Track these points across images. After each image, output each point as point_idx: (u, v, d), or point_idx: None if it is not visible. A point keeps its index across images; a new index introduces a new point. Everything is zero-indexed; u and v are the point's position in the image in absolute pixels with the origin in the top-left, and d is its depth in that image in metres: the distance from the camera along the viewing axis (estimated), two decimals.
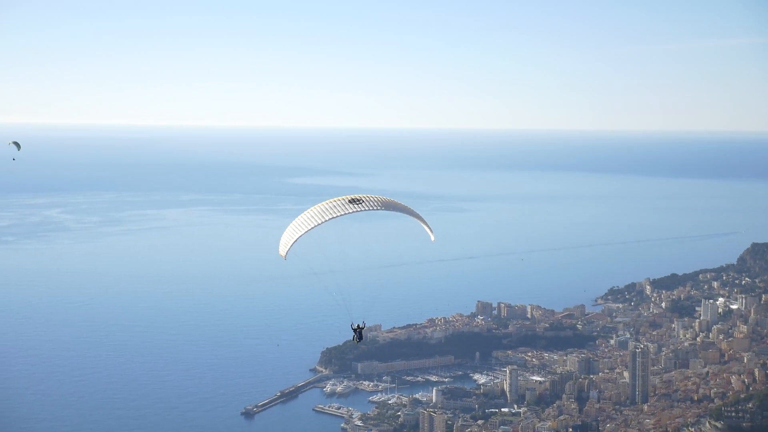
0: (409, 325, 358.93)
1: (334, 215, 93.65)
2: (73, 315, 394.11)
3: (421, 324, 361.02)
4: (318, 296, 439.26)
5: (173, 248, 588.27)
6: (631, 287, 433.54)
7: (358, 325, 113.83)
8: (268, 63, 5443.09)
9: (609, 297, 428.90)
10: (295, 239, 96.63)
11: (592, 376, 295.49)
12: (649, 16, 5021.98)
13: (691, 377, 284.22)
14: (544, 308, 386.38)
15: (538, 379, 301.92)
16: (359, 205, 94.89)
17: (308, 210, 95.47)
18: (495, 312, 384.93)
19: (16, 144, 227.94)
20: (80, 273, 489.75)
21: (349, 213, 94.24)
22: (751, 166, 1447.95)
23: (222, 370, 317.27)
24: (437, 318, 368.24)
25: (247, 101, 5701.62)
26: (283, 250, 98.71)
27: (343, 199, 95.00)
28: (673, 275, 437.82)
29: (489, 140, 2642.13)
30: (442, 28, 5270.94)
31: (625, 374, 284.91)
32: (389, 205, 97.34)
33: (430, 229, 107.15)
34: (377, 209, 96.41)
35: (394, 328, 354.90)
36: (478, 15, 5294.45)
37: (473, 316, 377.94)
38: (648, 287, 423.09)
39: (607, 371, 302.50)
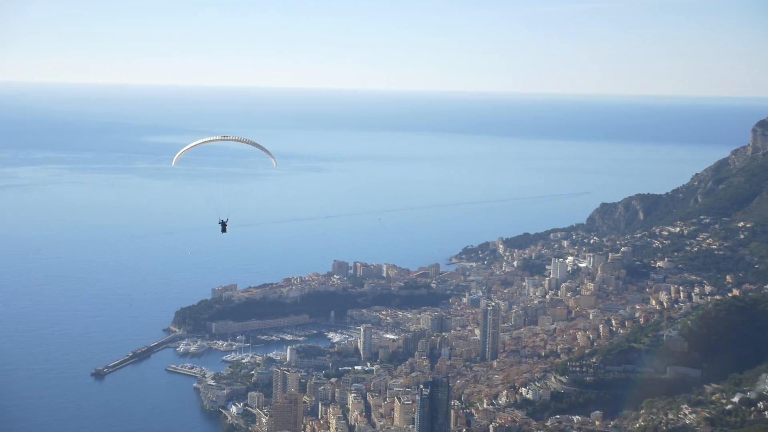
0: (264, 285, 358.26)
1: (211, 140, 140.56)
2: None
3: (277, 283, 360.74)
4: (173, 256, 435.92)
5: (24, 207, 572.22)
6: (484, 246, 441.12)
7: (223, 221, 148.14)
8: (129, 19, 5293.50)
9: (463, 256, 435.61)
10: (181, 152, 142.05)
11: (444, 333, 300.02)
12: None
13: (539, 334, 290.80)
14: (400, 267, 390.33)
15: (392, 337, 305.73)
16: (227, 136, 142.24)
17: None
18: (351, 271, 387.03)
19: None
20: None
21: (219, 141, 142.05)
22: (608, 128, 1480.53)
23: (72, 331, 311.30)
24: (293, 277, 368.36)
25: (107, 56, 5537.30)
26: (173, 160, 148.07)
27: (218, 137, 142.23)
28: (525, 234, 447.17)
29: (347, 100, 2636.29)
30: None
31: (477, 331, 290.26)
32: (250, 142, 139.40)
33: (273, 157, 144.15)
34: (241, 141, 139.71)
35: (249, 287, 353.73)
36: None
37: (329, 275, 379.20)
38: (501, 246, 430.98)
39: (459, 329, 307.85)
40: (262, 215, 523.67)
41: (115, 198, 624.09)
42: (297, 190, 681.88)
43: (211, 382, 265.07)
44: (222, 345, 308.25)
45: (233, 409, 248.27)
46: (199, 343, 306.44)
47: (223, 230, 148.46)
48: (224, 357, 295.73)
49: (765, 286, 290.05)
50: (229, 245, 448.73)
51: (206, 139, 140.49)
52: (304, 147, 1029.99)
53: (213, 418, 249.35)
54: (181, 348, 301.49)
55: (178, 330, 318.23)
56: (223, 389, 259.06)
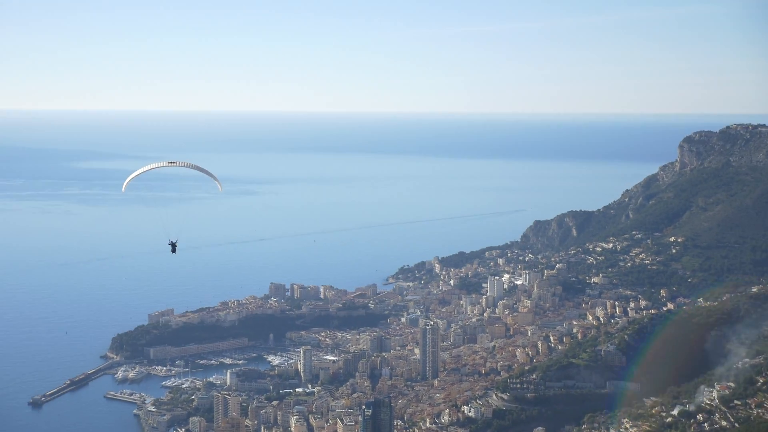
0: (202, 309, 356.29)
1: (158, 166, 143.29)
2: None
3: (214, 307, 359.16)
4: (107, 281, 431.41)
5: None
6: (420, 266, 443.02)
7: (173, 241, 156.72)
8: (52, 43, 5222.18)
9: (400, 276, 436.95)
10: (131, 177, 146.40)
11: (384, 353, 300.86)
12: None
13: (478, 351, 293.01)
14: (337, 288, 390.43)
15: (332, 358, 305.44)
16: (174, 163, 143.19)
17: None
18: (288, 293, 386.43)
19: None
20: None
21: (167, 167, 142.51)
22: (540, 147, 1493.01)
23: (7, 360, 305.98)
24: (230, 301, 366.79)
25: (36, 81, 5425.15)
26: (123, 186, 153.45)
27: (164, 162, 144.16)
28: (461, 253, 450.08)
29: (282, 123, 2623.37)
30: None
31: (416, 351, 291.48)
32: (196, 167, 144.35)
33: (218, 181, 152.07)
34: (188, 167, 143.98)
35: (186, 312, 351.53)
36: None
37: (266, 298, 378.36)
38: (437, 265, 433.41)
39: (399, 348, 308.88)
40: (197, 239, 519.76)
41: (45, 225, 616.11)
42: (231, 214, 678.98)
43: (152, 408, 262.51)
44: (161, 370, 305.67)
45: None
46: (137, 369, 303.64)
47: (173, 251, 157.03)
48: (164, 382, 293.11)
49: (698, 300, 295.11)
50: (164, 270, 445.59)
51: (154, 165, 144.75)
52: (237, 170, 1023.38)
53: None
54: (120, 374, 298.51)
55: (115, 356, 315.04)
56: (164, 415, 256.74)
